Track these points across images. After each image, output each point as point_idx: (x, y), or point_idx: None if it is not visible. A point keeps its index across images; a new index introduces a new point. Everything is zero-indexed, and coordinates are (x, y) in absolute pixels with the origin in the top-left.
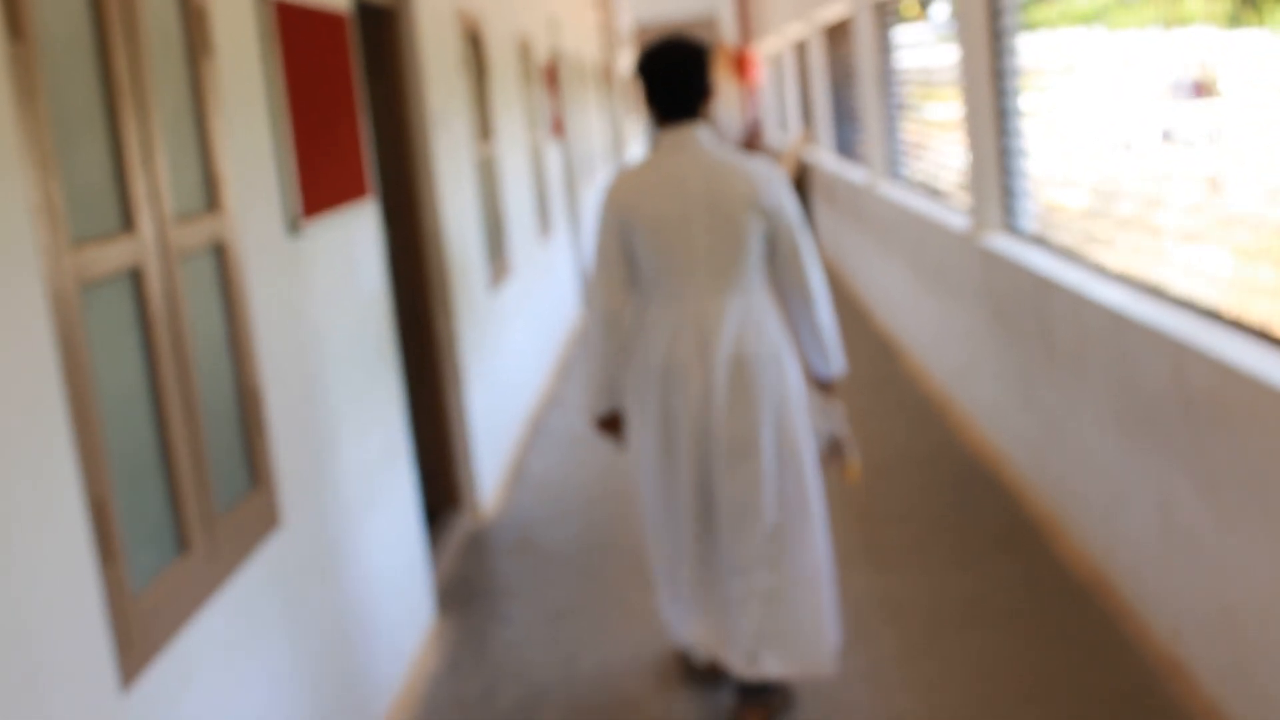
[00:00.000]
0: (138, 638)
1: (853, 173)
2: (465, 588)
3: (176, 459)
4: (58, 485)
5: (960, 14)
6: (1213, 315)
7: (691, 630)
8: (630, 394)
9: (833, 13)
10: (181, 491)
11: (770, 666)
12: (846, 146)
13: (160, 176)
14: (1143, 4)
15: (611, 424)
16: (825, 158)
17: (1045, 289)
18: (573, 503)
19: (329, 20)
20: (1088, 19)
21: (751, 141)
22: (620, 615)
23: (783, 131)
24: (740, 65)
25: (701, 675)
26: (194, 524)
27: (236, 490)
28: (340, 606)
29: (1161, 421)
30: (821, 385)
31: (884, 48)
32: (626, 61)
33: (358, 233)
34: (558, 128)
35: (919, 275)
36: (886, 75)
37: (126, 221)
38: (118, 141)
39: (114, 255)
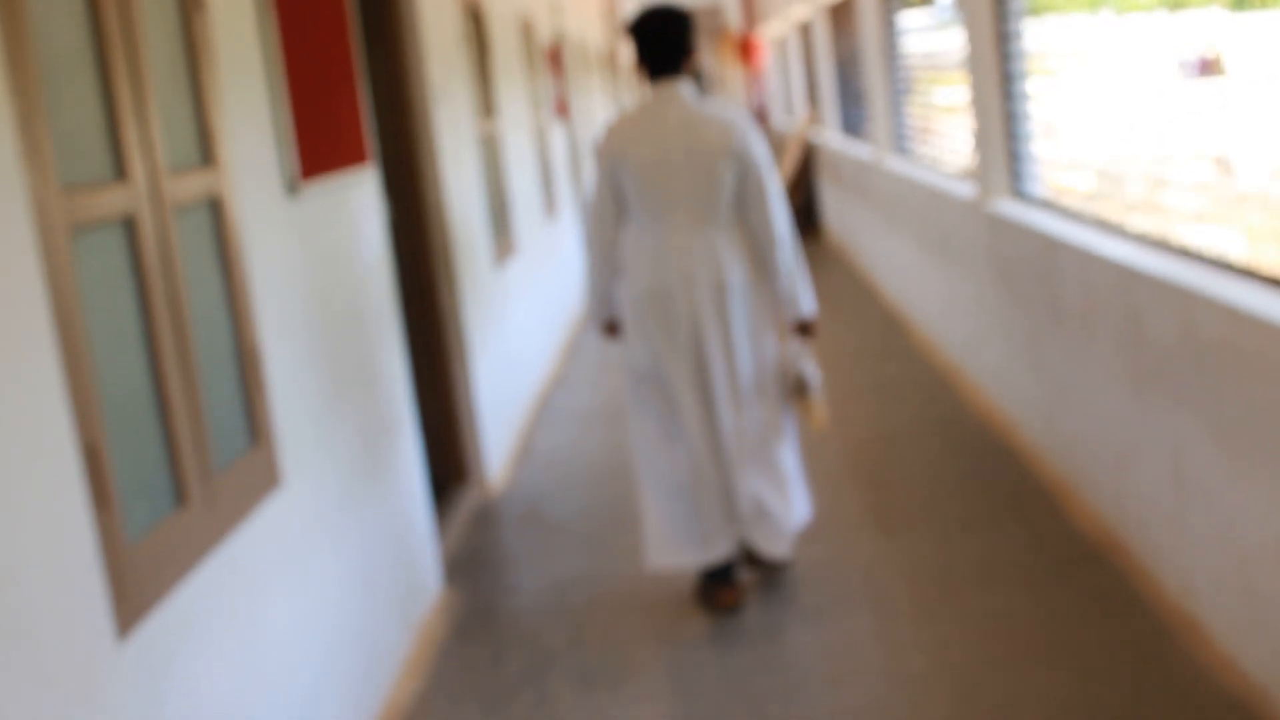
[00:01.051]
0: (134, 587)
1: (859, 150)
2: (473, 560)
3: (173, 410)
4: (48, 426)
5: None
6: (1222, 265)
7: (693, 543)
8: (625, 310)
9: None
10: (178, 443)
11: (751, 533)
12: (852, 125)
13: (153, 127)
14: None
15: (612, 328)
16: (831, 137)
17: (1052, 249)
18: (581, 477)
19: None
20: (1094, 3)
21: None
22: (629, 584)
23: (788, 115)
24: (745, 50)
25: (708, 591)
26: (192, 477)
27: (236, 447)
28: (345, 570)
29: (1172, 373)
30: (795, 327)
31: (888, 22)
32: (630, 50)
33: (358, 199)
34: (562, 109)
35: (926, 247)
36: (891, 49)
37: (119, 170)
38: (109, 90)
39: (106, 202)
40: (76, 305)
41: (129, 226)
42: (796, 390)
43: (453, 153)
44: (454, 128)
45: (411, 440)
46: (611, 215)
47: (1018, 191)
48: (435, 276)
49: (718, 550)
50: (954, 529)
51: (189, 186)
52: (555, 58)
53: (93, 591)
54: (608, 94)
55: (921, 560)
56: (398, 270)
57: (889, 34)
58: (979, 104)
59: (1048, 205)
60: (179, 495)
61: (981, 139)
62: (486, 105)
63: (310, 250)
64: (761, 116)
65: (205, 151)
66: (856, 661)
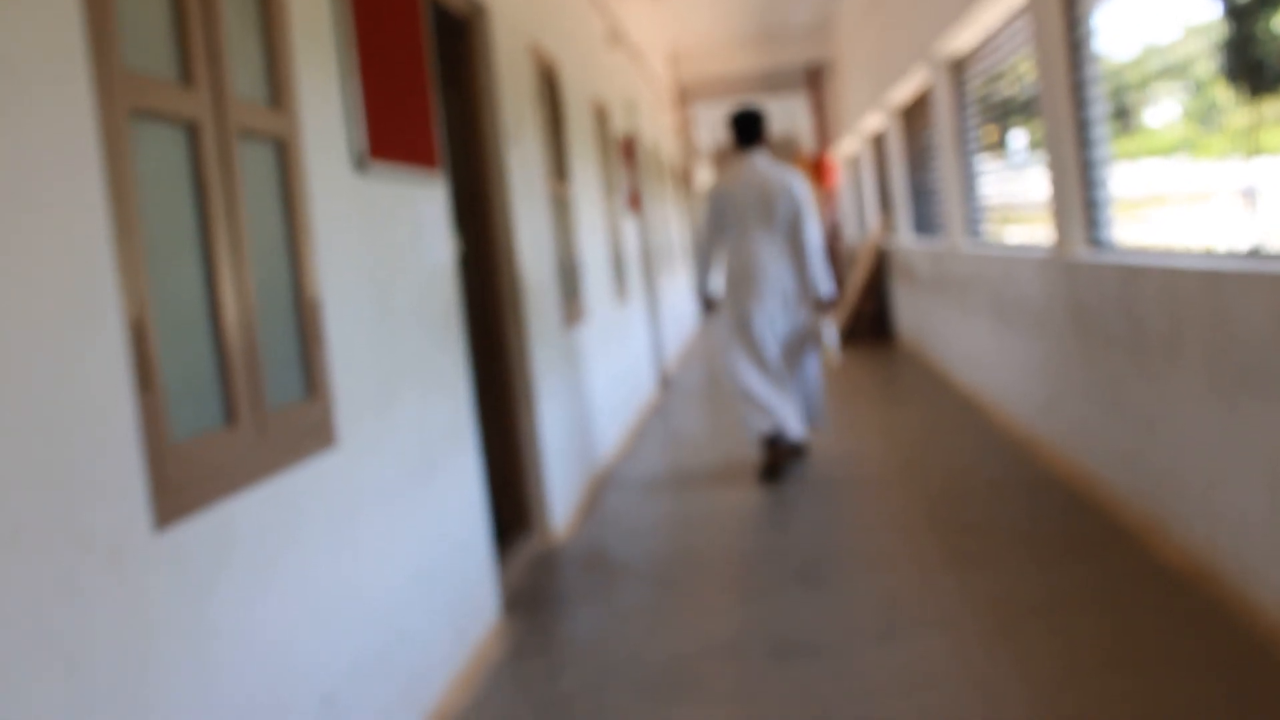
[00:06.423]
0: (174, 482)
1: (932, 243)
2: (533, 596)
3: (225, 325)
4: (96, 296)
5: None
6: None
7: (762, 418)
8: (724, 289)
9: (908, 87)
10: (230, 359)
11: (792, 424)
12: (924, 224)
13: (222, 45)
14: (1223, 135)
15: (709, 304)
16: (903, 239)
17: (1133, 278)
18: (646, 530)
19: None
20: (1169, 150)
21: (831, 244)
22: (693, 611)
23: (861, 230)
24: (818, 171)
25: (767, 452)
26: (242, 400)
27: (291, 391)
28: (397, 559)
29: (1263, 372)
30: (819, 305)
31: (959, 105)
32: (705, 177)
33: (426, 202)
34: (634, 201)
35: (1002, 317)
36: (963, 132)
37: (185, 75)
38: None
39: (169, 98)
40: (131, 186)
41: (191, 132)
42: (820, 345)
43: (525, 199)
44: (526, 176)
45: (471, 454)
46: (714, 231)
47: (1094, 240)
48: (504, 320)
49: (773, 421)
50: (1031, 566)
51: (256, 118)
52: (629, 150)
53: (130, 469)
54: (683, 212)
55: (998, 591)
56: (467, 307)
57: (959, 119)
58: (1054, 154)
59: (1123, 247)
60: (228, 414)
61: (1058, 192)
62: (559, 168)
63: (375, 234)
64: (834, 235)
65: (274, 95)
66: (930, 672)
